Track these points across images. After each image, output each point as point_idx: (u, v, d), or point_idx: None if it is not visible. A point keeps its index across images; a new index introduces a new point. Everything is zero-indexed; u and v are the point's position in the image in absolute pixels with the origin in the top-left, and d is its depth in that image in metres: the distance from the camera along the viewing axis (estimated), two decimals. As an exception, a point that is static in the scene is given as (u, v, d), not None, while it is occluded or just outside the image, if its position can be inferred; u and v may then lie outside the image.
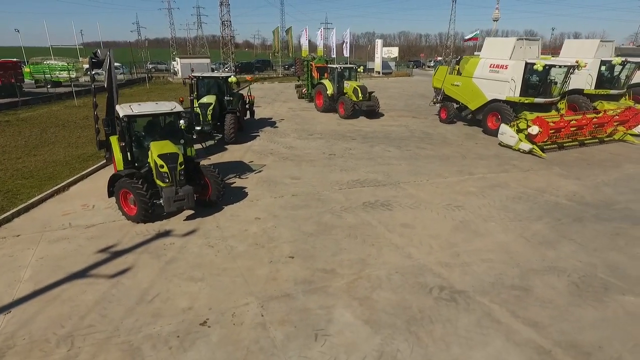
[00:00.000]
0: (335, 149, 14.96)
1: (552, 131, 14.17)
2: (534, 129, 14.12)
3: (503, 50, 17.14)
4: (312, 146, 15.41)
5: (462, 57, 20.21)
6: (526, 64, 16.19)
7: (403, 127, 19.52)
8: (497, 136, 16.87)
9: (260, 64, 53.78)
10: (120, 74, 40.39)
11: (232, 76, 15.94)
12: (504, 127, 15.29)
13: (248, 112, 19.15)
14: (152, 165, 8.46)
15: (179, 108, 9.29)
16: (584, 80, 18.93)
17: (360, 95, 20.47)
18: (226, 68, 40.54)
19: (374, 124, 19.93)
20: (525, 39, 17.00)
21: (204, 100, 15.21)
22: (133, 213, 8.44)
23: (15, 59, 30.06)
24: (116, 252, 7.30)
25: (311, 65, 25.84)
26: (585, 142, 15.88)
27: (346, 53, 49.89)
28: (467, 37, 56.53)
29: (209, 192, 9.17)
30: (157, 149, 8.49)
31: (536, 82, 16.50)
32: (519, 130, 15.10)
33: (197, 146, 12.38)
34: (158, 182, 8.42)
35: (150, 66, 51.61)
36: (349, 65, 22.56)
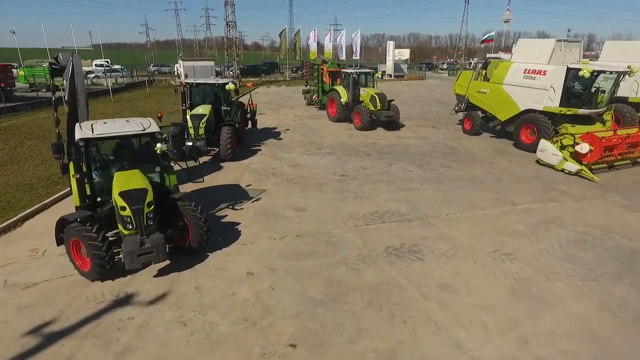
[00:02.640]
0: (347, 168, 12.88)
1: (605, 150, 11.96)
2: (584, 147, 11.91)
3: (540, 54, 14.94)
4: (321, 164, 13.34)
5: (490, 60, 18.03)
6: (568, 69, 13.98)
7: (422, 139, 17.37)
8: (532, 151, 14.73)
9: (267, 67, 51.92)
10: (121, 77, 38.76)
11: (230, 83, 13.94)
12: (544, 144, 13.08)
13: (249, 122, 17.17)
14: (114, 204, 6.47)
15: (153, 127, 7.29)
16: (628, 87, 16.60)
17: (378, 104, 18.35)
18: (230, 71, 38.70)
19: (390, 136, 17.82)
20: (565, 41, 14.80)
21: (198, 110, 13.23)
22: (87, 268, 6.45)
23: (4, 63, 28.48)
24: (51, 335, 5.30)
25: (322, 69, 23.83)
26: (639, 160, 13.61)
27: (356, 55, 47.89)
28: (483, 39, 54.25)
29: (188, 236, 7.15)
30: (120, 183, 6.51)
31: (580, 90, 14.26)
32: (562, 147, 12.88)
33: (192, 160, 10.34)
34: (120, 227, 6.43)
35: (154, 69, 50.00)
36: (365, 70, 20.46)
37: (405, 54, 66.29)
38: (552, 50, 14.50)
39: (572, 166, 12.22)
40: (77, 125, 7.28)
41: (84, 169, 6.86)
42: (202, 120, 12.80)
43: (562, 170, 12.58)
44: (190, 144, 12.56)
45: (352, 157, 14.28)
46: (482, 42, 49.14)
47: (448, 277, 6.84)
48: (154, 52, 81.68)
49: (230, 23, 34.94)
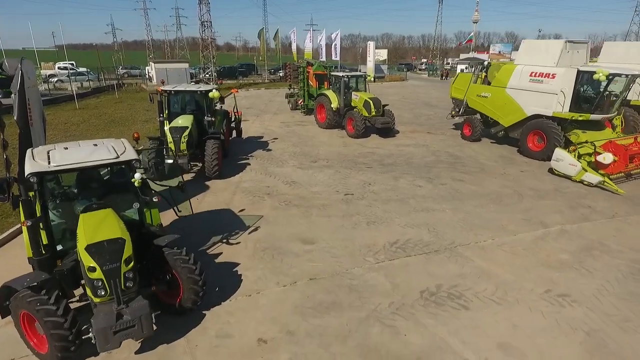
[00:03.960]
0: (350, 185, 11.52)
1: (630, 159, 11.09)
2: (607, 158, 10.99)
3: (547, 56, 14.04)
4: (320, 180, 11.92)
5: (490, 63, 17.10)
6: (579, 72, 13.11)
7: (422, 147, 16.23)
8: (540, 159, 13.84)
9: (244, 69, 49.96)
10: (87, 81, 36.07)
11: (214, 90, 12.31)
12: (560, 153, 12.12)
13: (234, 131, 15.55)
14: (80, 261, 4.86)
15: (129, 153, 5.70)
16: (632, 90, 15.99)
17: (373, 109, 17.07)
18: (207, 74, 36.69)
19: (387, 144, 16.58)
20: (572, 42, 13.95)
21: (178, 122, 11.55)
22: (44, 349, 4.80)
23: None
24: None
25: (307, 71, 22.40)
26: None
27: (336, 56, 46.66)
28: (466, 39, 54.32)
29: (180, 293, 5.59)
30: (88, 230, 4.91)
31: (591, 94, 13.42)
32: (579, 157, 11.96)
33: (178, 187, 8.65)
34: (89, 293, 4.82)
35: (122, 71, 47.17)
36: (357, 73, 19.18)
37: (383, 54, 65.56)
38: (560, 51, 13.61)
39: (593, 177, 11.28)
40: (28, 152, 5.60)
41: (38, 213, 5.20)
42: (184, 134, 11.14)
43: (581, 182, 11.64)
44: (170, 161, 10.95)
45: (353, 170, 12.93)
46: (466, 42, 48.85)
47: (507, 333, 5.56)
48: (122, 53, 78.03)
49: (205, 23, 32.97)
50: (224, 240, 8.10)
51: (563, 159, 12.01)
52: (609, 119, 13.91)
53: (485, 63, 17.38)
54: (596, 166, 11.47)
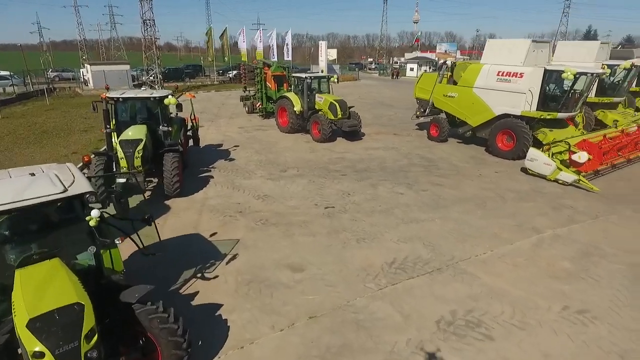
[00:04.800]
0: (328, 196, 10.66)
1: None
2: (583, 156, 11.02)
3: (513, 55, 14.06)
4: (295, 192, 10.95)
5: (455, 62, 16.99)
6: (546, 71, 13.20)
7: (392, 149, 15.74)
8: (510, 159, 13.84)
9: (191, 70, 47.36)
10: (10, 85, 32.18)
11: (169, 96, 10.91)
12: (534, 152, 12.06)
13: (191, 139, 14.12)
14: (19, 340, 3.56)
15: (79, 184, 4.47)
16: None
17: (339, 112, 16.31)
18: (150, 76, 34.16)
19: (356, 148, 15.91)
20: (536, 41, 14.07)
21: (129, 134, 10.04)
22: None
23: None
24: None
25: (265, 73, 21.23)
26: (615, 163, 13.22)
27: (288, 56, 45.61)
28: (415, 38, 55.36)
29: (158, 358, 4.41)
30: (29, 298, 3.65)
31: (557, 93, 13.57)
32: (551, 155, 11.96)
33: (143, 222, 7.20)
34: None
35: (53, 75, 42.87)
36: (320, 74, 18.32)
37: (333, 54, 65.39)
38: (527, 51, 13.65)
39: (569, 176, 11.29)
40: None
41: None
42: (138, 147, 9.69)
43: (555, 181, 11.63)
44: (122, 180, 9.47)
45: (327, 179, 12.07)
46: (415, 41, 49.73)
47: (541, 366, 4.97)
48: (51, 54, 71.43)
49: (148, 21, 30.53)
50: (199, 275, 6.91)
51: (537, 158, 11.95)
52: (572, 117, 14.18)
53: (449, 62, 17.24)
54: (570, 165, 11.50)
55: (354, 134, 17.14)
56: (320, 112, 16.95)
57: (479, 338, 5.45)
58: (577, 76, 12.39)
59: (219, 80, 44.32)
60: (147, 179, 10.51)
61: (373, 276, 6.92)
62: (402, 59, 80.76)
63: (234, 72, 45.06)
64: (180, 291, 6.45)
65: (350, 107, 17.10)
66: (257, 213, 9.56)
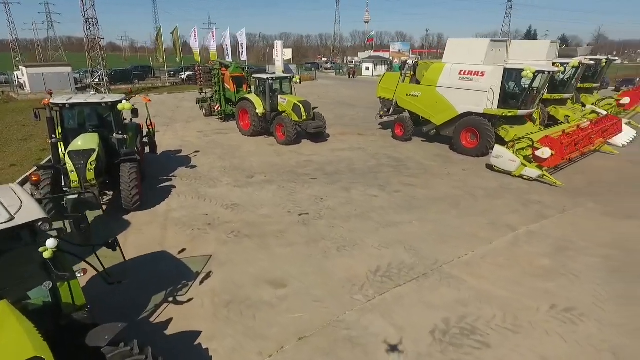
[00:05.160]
0: (301, 202, 10.25)
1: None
2: (546, 152, 11.37)
3: (473, 54, 14.33)
4: (265, 199, 10.43)
5: (418, 62, 17.10)
6: (505, 69, 13.55)
7: (359, 150, 15.59)
8: (474, 156, 14.11)
9: (139, 72, 44.91)
10: None
11: (124, 101, 10.00)
12: (499, 149, 12.32)
13: (147, 146, 13.14)
14: None
15: (30, 211, 3.79)
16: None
17: (303, 113, 15.89)
18: (95, 79, 31.91)
19: (322, 150, 15.60)
20: (495, 41, 14.44)
21: (79, 144, 9.08)
22: None
23: None
24: None
25: (223, 74, 20.39)
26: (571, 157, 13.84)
27: (243, 56, 44.56)
28: (367, 38, 55.95)
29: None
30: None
31: (517, 91, 13.99)
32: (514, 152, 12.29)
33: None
34: None
35: (-19, 78, 39.05)
36: (282, 75, 17.79)
37: (288, 54, 64.88)
38: (486, 50, 13.95)
39: (533, 172, 11.63)
40: None
41: None
42: (90, 159, 8.76)
43: (520, 176, 11.94)
44: (73, 196, 8.55)
45: (297, 184, 11.65)
46: (368, 40, 50.25)
47: (542, 372, 4.87)
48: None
49: (90, 20, 28.39)
50: (170, 299, 6.26)
51: (503, 155, 12.22)
52: (530, 114, 14.69)
53: (411, 62, 17.36)
54: (533, 160, 11.84)
55: (319, 136, 16.83)
56: (284, 114, 16.46)
57: (476, 346, 5.29)
58: (535, 74, 12.81)
59: (170, 82, 42.39)
60: (102, 193, 9.59)
61: (359, 287, 6.61)
62: (356, 58, 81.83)
63: (187, 73, 43.36)
64: (152, 319, 5.79)
65: (314, 108, 16.74)
66: (228, 224, 8.96)
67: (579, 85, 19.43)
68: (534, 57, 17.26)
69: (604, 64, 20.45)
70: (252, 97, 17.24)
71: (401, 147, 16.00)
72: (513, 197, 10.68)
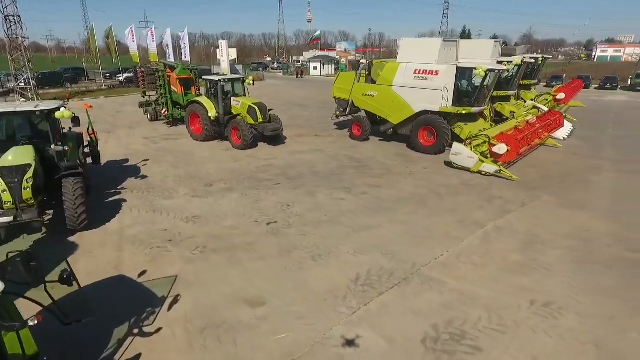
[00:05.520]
0: (267, 210, 9.77)
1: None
2: (502, 148, 11.77)
3: (427, 53, 14.56)
4: (229, 209, 9.83)
5: (372, 61, 17.12)
6: (458, 68, 13.91)
7: (318, 152, 15.33)
8: (432, 154, 14.39)
9: (71, 74, 41.38)
10: None
11: (62, 109, 8.92)
12: (458, 147, 12.61)
13: (89, 157, 11.94)
14: None
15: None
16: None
17: (259, 116, 15.31)
18: (20, 82, 28.86)
19: (281, 153, 15.14)
20: (446, 40, 14.78)
21: (10, 159, 7.93)
22: None
23: None
24: None
25: (169, 76, 19.23)
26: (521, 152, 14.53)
27: (185, 56, 42.72)
28: (311, 38, 56.02)
29: None
30: None
31: (469, 89, 14.42)
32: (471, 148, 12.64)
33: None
34: None
35: None
36: (234, 76, 17.01)
37: (232, 54, 63.14)
38: (439, 49, 14.23)
39: (491, 167, 12.02)
40: None
41: None
42: (27, 175, 7.70)
43: (479, 172, 12.30)
44: (7, 219, 7.54)
45: (260, 190, 11.14)
46: (314, 40, 50.23)
47: (536, 373, 4.86)
48: None
49: (12, 18, 25.51)
50: (136, 331, 5.58)
51: (461, 152, 12.51)
52: (482, 111, 15.23)
53: (364, 62, 17.38)
54: (490, 156, 12.23)
55: (276, 139, 16.34)
56: (238, 117, 15.79)
57: (468, 351, 5.19)
58: (487, 73, 13.25)
59: (107, 85, 39.57)
60: (41, 213, 8.47)
61: (342, 298, 6.31)
62: (302, 58, 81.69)
63: (125, 75, 40.74)
64: (116, 358, 5.09)
65: (269, 110, 16.21)
66: (191, 239, 8.28)
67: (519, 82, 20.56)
68: (480, 56, 17.95)
69: (541, 62, 21.84)
70: (203, 100, 16.38)
71: (360, 148, 15.95)
72: (475, 193, 10.93)
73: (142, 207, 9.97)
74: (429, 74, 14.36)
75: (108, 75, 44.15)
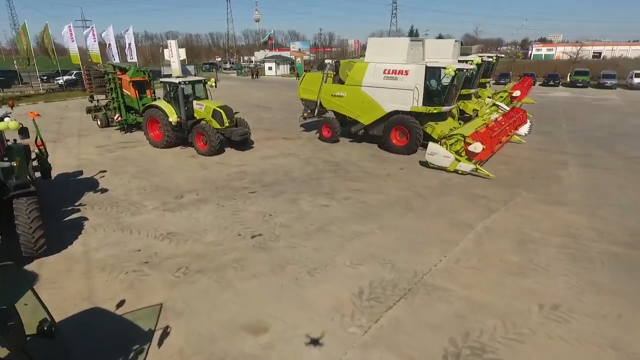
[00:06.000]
0: (249, 222, 9.12)
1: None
2: (477, 147, 11.88)
3: (395, 53, 14.46)
4: (207, 223, 9.07)
5: (339, 61, 16.78)
6: (427, 68, 13.94)
7: (291, 155, 14.79)
8: (405, 154, 14.35)
9: (2, 77, 37.48)
10: None
11: (6, 119, 7.74)
12: (434, 147, 12.61)
13: (39, 171, 10.65)
14: None
15: None
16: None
17: (225, 120, 14.47)
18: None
19: (252, 158, 14.43)
20: (413, 40, 14.78)
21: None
22: None
23: None
24: None
25: (119, 78, 17.79)
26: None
27: (132, 57, 40.30)
28: (265, 39, 55.06)
29: None
30: None
31: (439, 88, 14.50)
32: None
33: None
34: None
35: None
36: (195, 78, 15.95)
37: (182, 54, 60.64)
38: (407, 49, 14.18)
39: (467, 166, 12.11)
40: None
41: None
42: (-31, 199, 6.56)
43: (455, 171, 12.36)
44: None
45: (237, 200, 10.44)
46: (268, 39, 49.29)
47: (565, 383, 4.71)
48: None
49: None
50: (126, 376, 4.81)
51: (437, 152, 12.51)
52: (451, 109, 15.40)
53: (330, 61, 17.03)
54: (464, 155, 12.32)
55: (244, 143, 15.57)
56: (203, 122, 14.86)
57: (495, 366, 4.96)
58: (456, 72, 13.36)
59: (45, 89, 36.33)
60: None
61: (350, 317, 5.88)
62: (253, 58, 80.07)
63: (66, 77, 37.72)
64: (106, 413, 4.33)
65: (235, 113, 15.41)
66: (171, 260, 7.49)
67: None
68: (442, 55, 18.30)
69: (495, 60, 22.66)
70: (162, 104, 15.27)
71: (332, 150, 15.60)
72: (457, 193, 10.92)
73: (107, 226, 8.94)
74: (398, 73, 14.27)
75: (45, 78, 40.62)
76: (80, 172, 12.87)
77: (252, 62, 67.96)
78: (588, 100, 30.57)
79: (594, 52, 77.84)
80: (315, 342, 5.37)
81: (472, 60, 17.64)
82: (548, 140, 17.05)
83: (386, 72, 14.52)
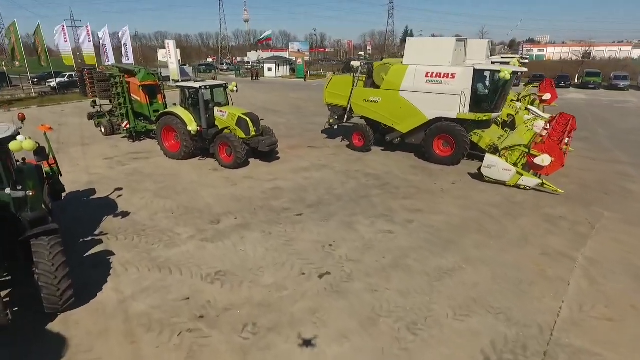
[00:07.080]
0: (306, 254, 7.71)
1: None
2: (545, 159, 10.61)
3: (438, 55, 13.14)
4: (259, 258, 7.61)
5: (373, 63, 15.40)
6: (475, 71, 12.66)
7: (324, 168, 13.38)
8: (448, 164, 13.11)
9: (-11, 80, 35.31)
10: None
11: (19, 137, 6.21)
12: (491, 159, 11.34)
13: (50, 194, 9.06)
14: None
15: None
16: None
17: (252, 128, 13.00)
18: None
19: (282, 171, 12.99)
20: (458, 40, 13.51)
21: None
22: None
23: None
24: None
25: (127, 82, 16.19)
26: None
27: (128, 59, 38.55)
28: (260, 38, 53.64)
29: None
30: None
31: (487, 93, 13.22)
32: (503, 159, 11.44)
33: None
34: None
35: None
36: (215, 83, 14.39)
37: (178, 55, 58.76)
38: (452, 50, 12.88)
39: (532, 181, 10.86)
40: None
41: None
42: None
43: (516, 186, 11.11)
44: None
45: (284, 225, 9.01)
46: (260, 41, 47.78)
47: None
48: None
49: None
50: None
51: (495, 164, 11.25)
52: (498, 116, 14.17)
53: (359, 63, 15.64)
54: (530, 169, 11.08)
55: (271, 154, 14.11)
56: (226, 131, 13.37)
57: None
58: (512, 75, 12.11)
59: (37, 92, 34.25)
60: (5, 306, 5.75)
61: (489, 399, 4.52)
62: (246, 58, 78.26)
63: (58, 79, 35.76)
64: None
65: (260, 120, 13.93)
66: (230, 312, 6.04)
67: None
68: (476, 57, 16.99)
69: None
70: (179, 111, 13.75)
71: (367, 160, 14.23)
72: (530, 213, 9.66)
73: (139, 262, 7.44)
74: (443, 77, 12.96)
75: (36, 80, 38.54)
76: (93, 191, 11.30)
77: (249, 62, 66.27)
78: (607, 102, 29.72)
79: (582, 53, 77.80)
80: None
81: (505, 62, 16.40)
82: (590, 147, 15.94)
83: (429, 75, 13.20)
